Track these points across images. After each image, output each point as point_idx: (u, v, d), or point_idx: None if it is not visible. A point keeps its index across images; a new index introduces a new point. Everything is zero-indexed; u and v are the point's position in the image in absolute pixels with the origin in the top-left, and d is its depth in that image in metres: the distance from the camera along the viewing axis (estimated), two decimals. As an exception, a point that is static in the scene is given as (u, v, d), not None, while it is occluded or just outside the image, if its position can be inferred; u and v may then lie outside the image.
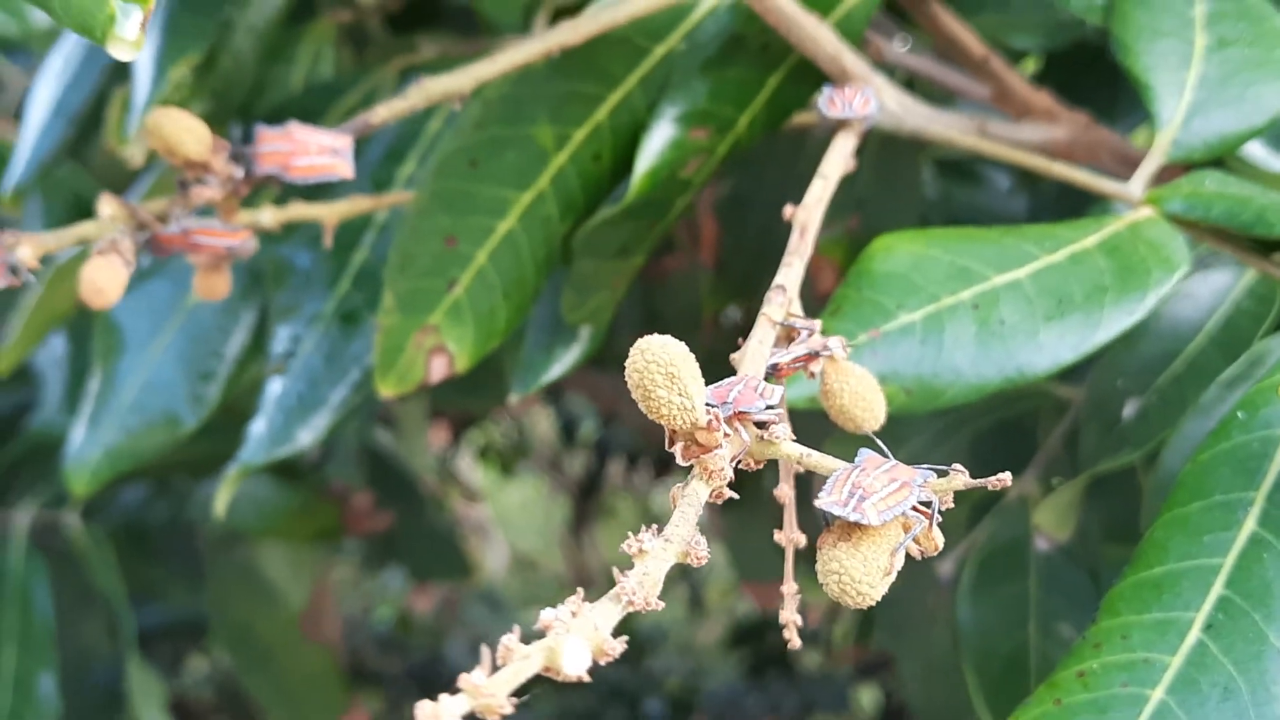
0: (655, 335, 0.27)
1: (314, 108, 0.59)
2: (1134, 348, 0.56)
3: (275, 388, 0.53)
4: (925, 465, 0.28)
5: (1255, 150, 0.48)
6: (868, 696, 3.31)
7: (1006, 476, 0.27)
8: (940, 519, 0.27)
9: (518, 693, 0.22)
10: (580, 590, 0.24)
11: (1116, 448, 0.53)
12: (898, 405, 0.40)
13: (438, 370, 0.47)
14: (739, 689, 3.60)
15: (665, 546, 0.25)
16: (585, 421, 3.23)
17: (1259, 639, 0.35)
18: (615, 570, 0.25)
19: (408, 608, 3.59)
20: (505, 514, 6.24)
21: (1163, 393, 0.53)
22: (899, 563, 0.27)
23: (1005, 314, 0.40)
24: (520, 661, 0.22)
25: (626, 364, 0.26)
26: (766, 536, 1.06)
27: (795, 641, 0.33)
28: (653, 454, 3.03)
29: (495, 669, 0.22)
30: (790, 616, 0.34)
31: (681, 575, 4.18)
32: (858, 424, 0.34)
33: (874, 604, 0.26)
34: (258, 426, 0.53)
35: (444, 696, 0.21)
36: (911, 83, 0.69)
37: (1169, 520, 0.38)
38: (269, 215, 0.45)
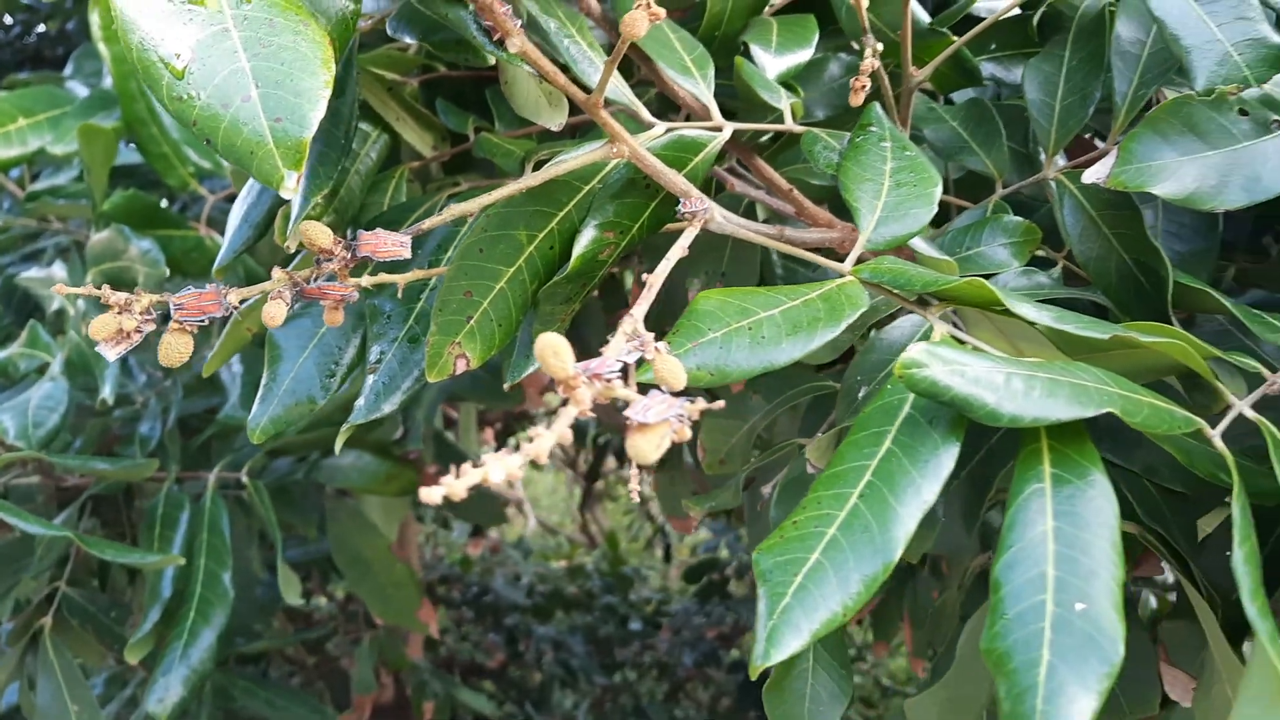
0: (551, 333, 0.38)
1: (395, 219, 0.70)
2: (867, 357, 0.67)
3: (370, 380, 0.64)
4: (685, 398, 0.39)
5: (918, 243, 0.59)
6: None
7: (697, 407, 0.39)
8: (690, 425, 0.38)
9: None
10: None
11: (854, 413, 0.64)
12: (705, 382, 0.51)
13: (460, 366, 0.58)
14: (692, 609, 3.68)
15: (547, 435, 0.36)
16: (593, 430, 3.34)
17: (885, 502, 0.46)
18: (524, 441, 0.36)
19: (467, 552, 3.68)
20: (537, 495, 6.32)
21: (880, 383, 0.64)
22: (667, 443, 0.38)
23: (765, 333, 0.51)
24: (505, 459, 0.33)
25: (535, 346, 0.37)
26: (683, 489, 1.16)
27: (635, 493, 0.45)
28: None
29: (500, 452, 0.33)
30: (634, 486, 0.45)
31: (660, 536, 4.27)
32: (671, 386, 0.45)
33: (652, 463, 0.37)
34: (359, 402, 0.63)
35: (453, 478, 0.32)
36: (752, 205, 0.81)
37: (847, 442, 0.49)
38: (367, 280, 0.56)
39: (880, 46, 0.60)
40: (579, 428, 3.59)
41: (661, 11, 0.44)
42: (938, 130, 0.71)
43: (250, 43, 0.41)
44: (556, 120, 0.56)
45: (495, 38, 0.49)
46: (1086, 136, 0.75)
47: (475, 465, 0.33)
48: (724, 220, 0.60)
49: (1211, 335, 0.68)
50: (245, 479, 1.12)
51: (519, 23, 0.49)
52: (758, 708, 3.18)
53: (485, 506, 1.65)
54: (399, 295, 0.61)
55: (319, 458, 1.38)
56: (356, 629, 2.79)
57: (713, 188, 0.79)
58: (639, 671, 3.69)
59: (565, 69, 0.58)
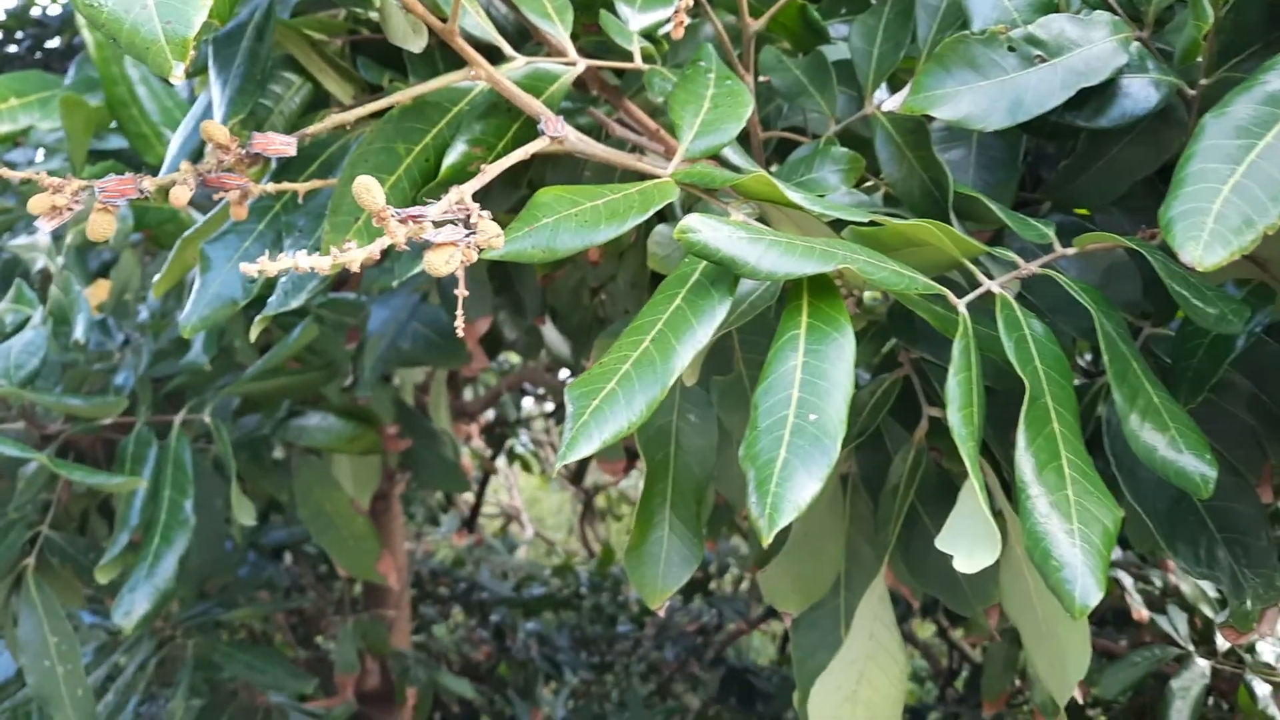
0: (366, 175, 0.49)
1: (314, 152, 0.81)
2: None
3: (281, 280, 0.75)
4: (470, 232, 0.50)
5: (729, 153, 0.70)
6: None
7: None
8: (476, 250, 0.49)
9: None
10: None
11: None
12: (539, 259, 0.61)
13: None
14: (675, 607, 3.76)
15: (361, 250, 0.47)
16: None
17: (670, 344, 0.57)
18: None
19: (452, 543, 3.78)
20: (542, 515, 6.42)
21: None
22: (456, 261, 0.49)
23: (588, 218, 0.62)
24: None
25: (352, 186, 0.48)
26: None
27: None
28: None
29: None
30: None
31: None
32: (491, 247, 0.56)
33: (440, 275, 0.48)
34: (271, 299, 0.74)
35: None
36: (635, 146, 0.91)
37: (650, 303, 0.60)
38: (271, 185, 0.67)
39: (699, -6, 0.72)
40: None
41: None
42: (783, 78, 0.83)
43: (149, -35, 0.53)
44: (419, 45, 0.67)
45: (365, -25, 0.61)
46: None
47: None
48: (578, 141, 0.71)
49: (1018, 249, 0.78)
50: (208, 419, 1.23)
51: (382, -38, 0.60)
52: (740, 700, 3.28)
53: (448, 473, 1.75)
54: (299, 202, 0.72)
55: (285, 417, 1.49)
56: (345, 619, 2.88)
57: (602, 134, 0.90)
58: (626, 670, 3.77)
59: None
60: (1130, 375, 0.61)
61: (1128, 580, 2.04)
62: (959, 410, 0.55)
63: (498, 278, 1.33)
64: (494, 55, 0.71)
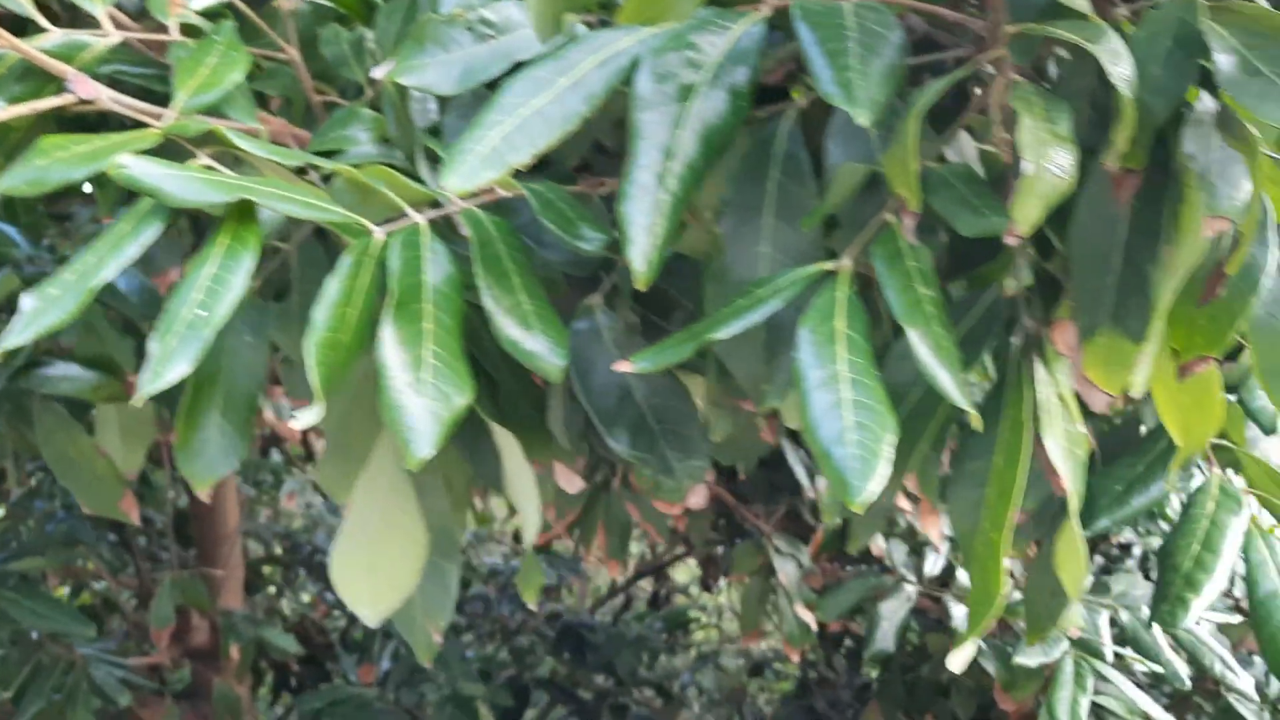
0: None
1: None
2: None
3: None
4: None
5: (232, 112, 0.85)
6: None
7: None
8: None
9: None
10: None
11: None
12: (28, 192, 0.75)
13: None
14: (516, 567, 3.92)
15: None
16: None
17: (104, 259, 0.72)
18: None
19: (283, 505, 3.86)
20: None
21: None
22: None
23: (71, 160, 0.76)
24: None
25: None
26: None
27: None
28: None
29: None
30: None
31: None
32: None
33: None
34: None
35: None
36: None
37: (104, 230, 0.75)
38: None
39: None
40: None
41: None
42: (333, 51, 0.98)
43: None
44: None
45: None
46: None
47: None
48: (111, 101, 0.85)
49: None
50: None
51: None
52: (573, 651, 3.45)
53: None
54: None
55: (25, 366, 1.59)
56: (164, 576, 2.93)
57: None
58: (474, 629, 3.90)
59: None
60: (506, 283, 0.76)
61: (869, 521, 2.23)
62: (325, 309, 0.71)
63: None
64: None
